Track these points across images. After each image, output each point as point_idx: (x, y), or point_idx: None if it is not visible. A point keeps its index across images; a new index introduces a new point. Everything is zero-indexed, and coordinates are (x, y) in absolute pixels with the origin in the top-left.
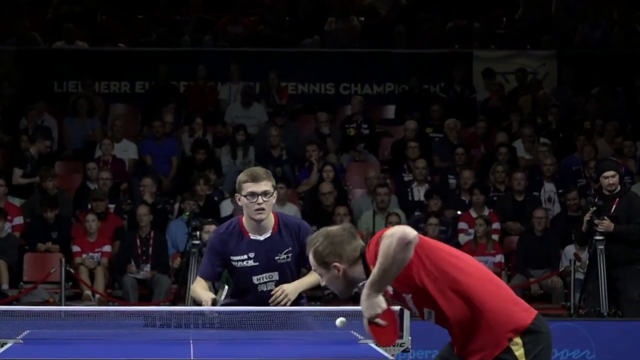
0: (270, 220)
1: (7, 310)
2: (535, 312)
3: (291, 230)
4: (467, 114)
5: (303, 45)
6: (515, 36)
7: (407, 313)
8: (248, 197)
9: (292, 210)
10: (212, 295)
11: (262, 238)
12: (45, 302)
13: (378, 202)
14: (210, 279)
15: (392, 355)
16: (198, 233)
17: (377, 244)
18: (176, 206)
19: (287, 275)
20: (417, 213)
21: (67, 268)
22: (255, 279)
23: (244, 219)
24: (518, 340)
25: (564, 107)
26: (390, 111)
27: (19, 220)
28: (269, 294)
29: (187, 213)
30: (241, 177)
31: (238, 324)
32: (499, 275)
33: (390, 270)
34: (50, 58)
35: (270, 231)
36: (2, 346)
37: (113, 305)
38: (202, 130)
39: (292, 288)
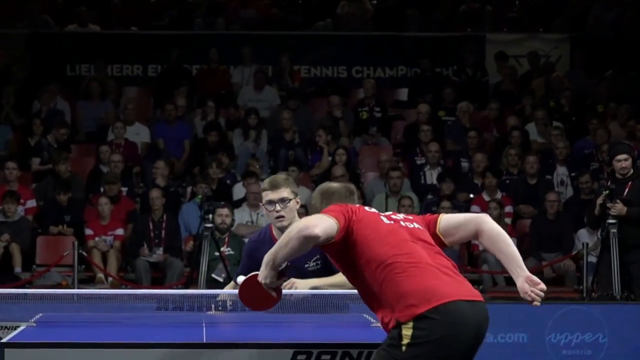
0: None
1: (20, 293)
2: (444, 301)
3: None
4: (480, 97)
5: (315, 28)
6: (528, 19)
7: None
8: (267, 205)
9: (304, 193)
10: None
11: None
12: (58, 285)
13: (390, 186)
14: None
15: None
16: (210, 216)
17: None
18: (189, 189)
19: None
20: (429, 196)
21: (80, 251)
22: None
23: (272, 226)
24: (410, 323)
25: (576, 91)
26: (402, 94)
27: (31, 203)
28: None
29: (200, 196)
30: (262, 185)
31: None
32: None
33: (279, 253)
34: (63, 41)
35: None
36: (15, 329)
37: (126, 288)
38: (214, 114)
39: (303, 283)
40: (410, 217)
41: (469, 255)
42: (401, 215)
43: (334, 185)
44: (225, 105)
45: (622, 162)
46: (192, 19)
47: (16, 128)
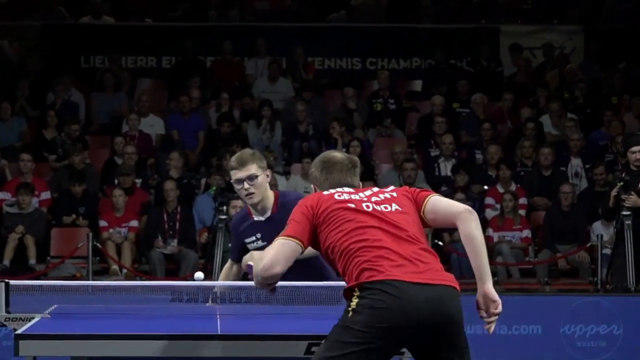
0: (270, 200)
1: (34, 285)
2: (390, 277)
3: (289, 209)
4: (494, 89)
5: (329, 20)
6: (542, 11)
7: None
8: (235, 184)
9: None
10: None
11: (263, 218)
12: (73, 277)
13: (405, 177)
14: (237, 260)
15: None
16: (225, 208)
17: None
18: (203, 181)
19: None
20: (443, 188)
21: (95, 243)
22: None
23: None
24: (356, 292)
25: (591, 82)
26: (416, 86)
27: (46, 195)
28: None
29: (214, 188)
30: (229, 163)
31: (265, 299)
32: (525, 250)
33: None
34: (77, 33)
35: (270, 211)
36: (29, 320)
37: (140, 280)
38: (228, 105)
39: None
40: (394, 195)
41: None
42: (382, 196)
43: (337, 155)
44: (240, 96)
45: (637, 153)
46: (206, 10)
47: (31, 120)
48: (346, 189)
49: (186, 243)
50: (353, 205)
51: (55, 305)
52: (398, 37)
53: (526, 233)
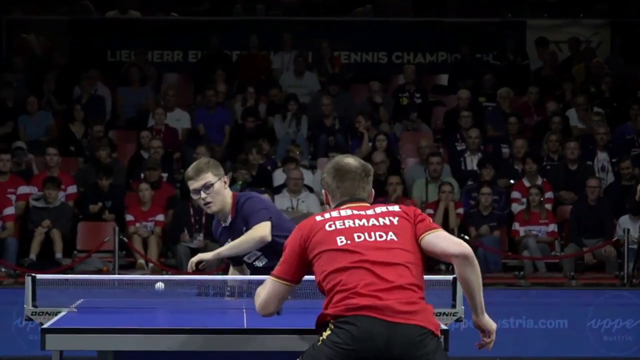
0: (229, 204)
1: (61, 279)
2: (359, 313)
3: (240, 210)
4: (520, 82)
5: (355, 14)
6: (568, 5)
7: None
8: (193, 195)
9: None
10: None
11: (227, 223)
12: (99, 271)
13: (430, 171)
14: (233, 264)
15: (446, 324)
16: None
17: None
18: (229, 175)
19: (266, 247)
20: (469, 182)
21: (121, 237)
22: (246, 258)
23: None
24: (331, 325)
25: (617, 76)
26: (443, 80)
27: (72, 189)
28: (263, 270)
29: (240, 182)
30: (185, 174)
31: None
32: (552, 244)
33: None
34: (103, 27)
35: (231, 216)
36: (56, 315)
37: (166, 274)
38: (253, 100)
39: (205, 254)
40: (394, 222)
41: (510, 241)
42: (381, 221)
43: (351, 163)
44: (266, 91)
45: None
46: (232, 4)
47: (57, 114)
48: (342, 212)
49: (212, 237)
50: (341, 241)
51: (82, 300)
52: (424, 31)
53: (552, 227)
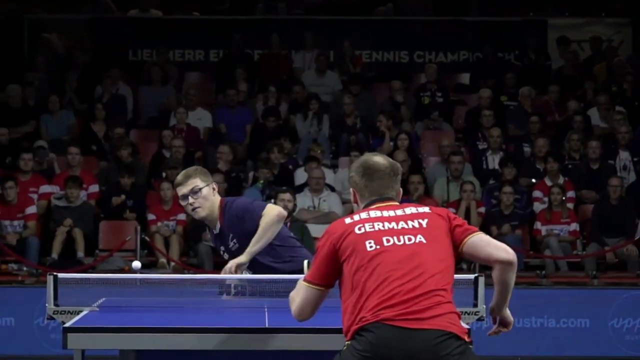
0: (217, 212)
1: (82, 278)
2: (375, 320)
3: (227, 218)
4: (542, 82)
5: (377, 13)
6: (590, 3)
7: (481, 280)
8: (181, 201)
9: None
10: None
11: (217, 231)
12: (121, 270)
13: (452, 170)
14: None
15: (467, 323)
16: (272, 201)
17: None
18: (250, 174)
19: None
20: (491, 181)
21: (143, 236)
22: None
23: None
24: (355, 332)
25: (639, 75)
26: (464, 79)
27: (94, 188)
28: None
29: (262, 181)
30: (174, 182)
31: None
32: (573, 243)
33: None
34: (125, 26)
35: (219, 222)
36: (78, 314)
37: (188, 273)
38: (275, 99)
39: (238, 258)
40: (423, 225)
41: (532, 240)
42: (410, 224)
43: (379, 162)
44: (287, 90)
45: None
46: (254, 3)
47: (78, 113)
48: (372, 213)
49: None
50: (370, 245)
51: (104, 299)
52: (446, 30)
53: (574, 226)
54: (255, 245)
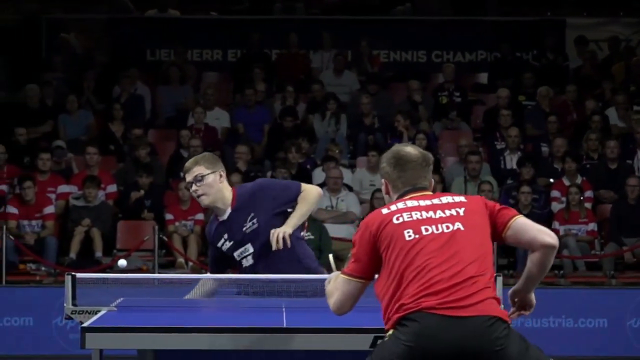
0: (227, 198)
1: (100, 278)
2: (420, 309)
3: (247, 197)
4: (560, 81)
5: (395, 12)
6: (608, 3)
7: (500, 280)
8: (188, 187)
9: None
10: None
11: (226, 217)
12: (139, 270)
13: (470, 170)
14: (211, 271)
15: None
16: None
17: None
18: (268, 174)
19: (260, 241)
20: (509, 181)
21: (160, 236)
22: (236, 256)
23: None
24: (398, 322)
25: None
26: (482, 79)
27: (112, 188)
28: (251, 269)
29: None
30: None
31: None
32: (592, 243)
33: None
34: (143, 26)
35: (230, 207)
36: (96, 313)
37: (206, 273)
38: (293, 99)
39: (284, 227)
40: (460, 212)
41: None
42: (447, 212)
43: (411, 152)
44: (305, 89)
45: None
46: (272, 3)
47: (97, 113)
48: (408, 203)
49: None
50: (409, 235)
51: (122, 298)
52: (463, 30)
53: (592, 226)
54: (298, 218)
